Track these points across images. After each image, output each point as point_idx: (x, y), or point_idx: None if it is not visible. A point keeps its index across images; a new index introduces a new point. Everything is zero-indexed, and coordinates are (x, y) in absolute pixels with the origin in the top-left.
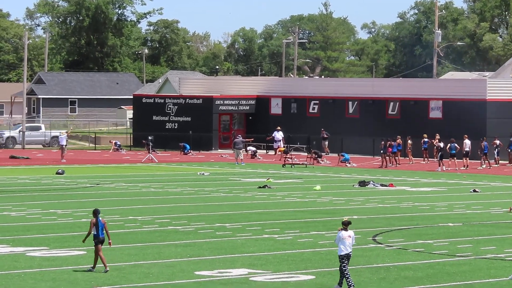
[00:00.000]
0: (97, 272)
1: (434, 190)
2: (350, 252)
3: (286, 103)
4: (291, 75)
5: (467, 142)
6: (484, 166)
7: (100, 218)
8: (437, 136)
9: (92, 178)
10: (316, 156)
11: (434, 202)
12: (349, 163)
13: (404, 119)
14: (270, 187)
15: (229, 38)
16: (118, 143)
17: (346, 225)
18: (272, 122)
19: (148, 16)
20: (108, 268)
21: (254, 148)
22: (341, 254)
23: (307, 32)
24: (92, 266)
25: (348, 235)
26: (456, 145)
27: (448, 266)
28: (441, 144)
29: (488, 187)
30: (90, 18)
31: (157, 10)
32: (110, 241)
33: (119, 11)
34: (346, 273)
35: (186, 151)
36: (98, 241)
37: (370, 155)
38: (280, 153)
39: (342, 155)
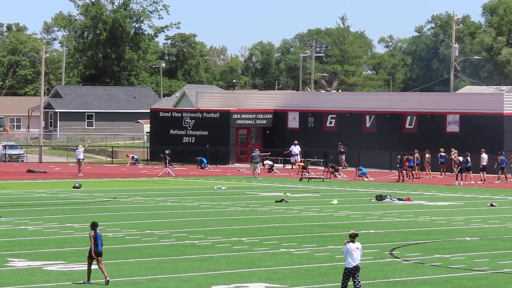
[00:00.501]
0: (114, 285)
1: (451, 204)
2: (359, 264)
3: (303, 117)
4: (308, 89)
5: (484, 156)
6: (499, 181)
7: (98, 231)
8: (452, 151)
9: (109, 192)
10: (333, 170)
11: (451, 216)
12: (366, 177)
13: (421, 133)
14: (287, 201)
15: (246, 51)
16: (135, 157)
17: (353, 237)
18: (289, 136)
19: (165, 30)
20: (108, 278)
21: (271, 162)
22: (349, 267)
23: (324, 46)
24: (87, 279)
25: (356, 247)
26: (469, 158)
27: (465, 280)
28: (460, 158)
29: (505, 201)
30: (108, 32)
31: (174, 24)
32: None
33: (137, 25)
34: (358, 286)
35: (203, 165)
36: (98, 254)
37: (387, 169)
38: (299, 167)
39: (360, 169)
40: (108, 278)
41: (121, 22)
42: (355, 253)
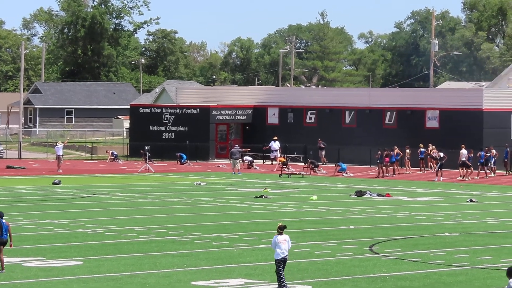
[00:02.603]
0: (93, 281)
1: (430, 200)
2: (287, 256)
3: (283, 113)
4: (288, 84)
5: (464, 152)
6: (478, 177)
7: (4, 221)
8: (430, 146)
9: (89, 188)
10: (312, 166)
11: (430, 212)
12: (346, 173)
13: (401, 128)
14: (267, 197)
15: (226, 47)
16: (115, 153)
17: (281, 229)
18: (269, 132)
19: (145, 26)
20: (4, 270)
21: (250, 158)
22: (278, 258)
23: (304, 41)
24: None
25: (283, 239)
26: (485, 153)
27: (445, 276)
28: (441, 154)
29: (485, 197)
30: (86, 28)
31: (154, 20)
32: (12, 243)
33: (117, 21)
34: (282, 277)
35: (183, 161)
36: (1, 243)
37: (367, 165)
38: (279, 163)
39: (339, 165)
40: (3, 270)
41: (99, 19)
42: (283, 245)
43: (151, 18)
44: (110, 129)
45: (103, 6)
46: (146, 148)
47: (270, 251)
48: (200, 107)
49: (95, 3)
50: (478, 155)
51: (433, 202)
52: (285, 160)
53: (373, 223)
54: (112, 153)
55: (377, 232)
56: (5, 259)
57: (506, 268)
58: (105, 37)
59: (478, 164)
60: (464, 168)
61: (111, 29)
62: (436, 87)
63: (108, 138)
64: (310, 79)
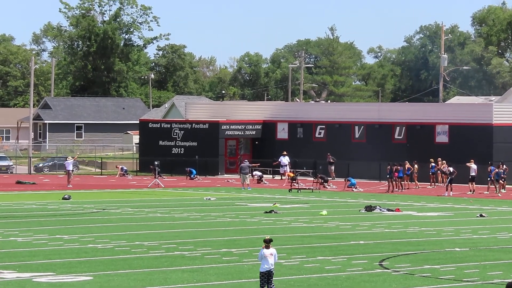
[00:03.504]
0: None
1: (440, 215)
2: (272, 269)
3: (292, 128)
4: (297, 99)
5: (473, 167)
6: (488, 192)
7: None
8: (439, 161)
9: (99, 203)
10: (322, 181)
11: (440, 227)
12: (356, 187)
13: (411, 143)
14: (276, 212)
15: (235, 62)
16: (125, 168)
17: (267, 242)
18: (278, 147)
19: (155, 41)
20: None
21: (260, 173)
22: (262, 271)
23: (313, 56)
24: None
25: (270, 253)
26: (495, 168)
27: None
28: (451, 169)
29: (495, 212)
30: (98, 43)
31: (164, 36)
32: None
33: (126, 36)
34: None
35: (192, 176)
36: None
37: (377, 179)
38: (288, 178)
39: (349, 180)
40: None
41: (111, 34)
42: (269, 258)
43: (161, 34)
44: (119, 144)
45: (114, 22)
46: (156, 163)
47: (279, 266)
48: (210, 122)
49: (105, 19)
50: (488, 170)
51: (443, 217)
52: (294, 175)
53: (383, 238)
54: (121, 168)
55: (387, 247)
56: (16, 274)
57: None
58: (116, 52)
59: (488, 179)
60: (474, 183)
61: (121, 45)
62: (446, 102)
63: (118, 153)
64: (319, 94)
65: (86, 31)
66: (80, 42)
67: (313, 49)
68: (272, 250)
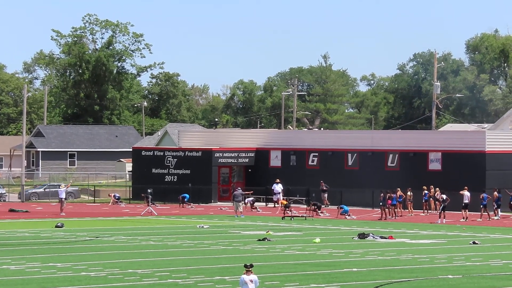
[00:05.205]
0: None
1: (433, 242)
2: None
3: (286, 156)
4: (290, 127)
5: (467, 194)
6: (481, 219)
7: None
8: (432, 188)
9: (92, 231)
10: (315, 207)
11: (433, 254)
12: (349, 215)
13: (404, 171)
14: (269, 240)
15: (228, 90)
16: (117, 195)
17: (248, 268)
18: (271, 174)
19: (148, 70)
20: None
21: (252, 198)
22: None
23: (306, 84)
24: None
25: (250, 280)
26: (487, 195)
27: None
28: (444, 196)
29: (488, 239)
30: (90, 71)
31: (158, 64)
32: None
33: (119, 64)
34: None
35: (186, 200)
36: None
37: (370, 207)
38: (281, 205)
39: (342, 207)
40: None
41: (104, 61)
42: (249, 285)
43: (155, 63)
44: (112, 172)
45: (107, 49)
46: (149, 191)
47: None
48: (203, 150)
49: (97, 46)
50: (480, 197)
51: (436, 244)
52: (287, 202)
53: (376, 265)
54: (114, 196)
55: (380, 275)
56: None
57: None
58: (109, 80)
59: (481, 206)
60: (467, 210)
61: (114, 72)
62: (439, 129)
63: (111, 181)
64: (312, 121)
65: (77, 58)
66: (73, 70)
67: (306, 77)
68: (252, 276)
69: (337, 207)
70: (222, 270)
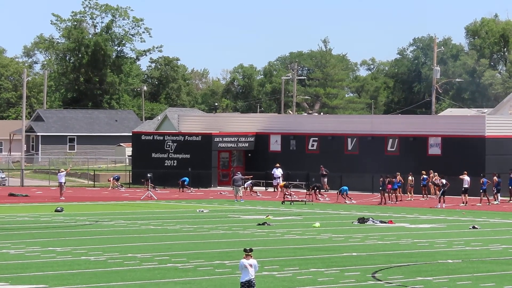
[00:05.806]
0: None
1: (433, 226)
2: (251, 279)
3: (285, 140)
4: (290, 112)
5: (466, 179)
6: (480, 204)
7: None
8: (431, 173)
9: (91, 215)
10: (316, 188)
11: (433, 239)
12: (347, 196)
13: (403, 155)
14: (269, 224)
15: (228, 75)
16: (117, 175)
17: (247, 252)
18: (271, 159)
19: (147, 54)
20: None
21: (251, 181)
22: (242, 281)
23: (306, 68)
24: None
25: (249, 264)
26: (487, 180)
27: None
28: (443, 181)
29: (487, 224)
30: (89, 55)
31: (156, 48)
32: None
33: (119, 48)
34: None
35: (186, 183)
36: None
37: (370, 191)
38: (281, 189)
39: (340, 191)
40: None
41: (102, 46)
42: (249, 269)
43: (154, 46)
44: (112, 156)
45: (106, 34)
46: (149, 175)
47: (272, 278)
48: (202, 135)
49: (97, 31)
50: (480, 181)
51: (435, 229)
52: (285, 183)
53: (376, 250)
54: (114, 177)
55: (379, 259)
56: (8, 287)
57: None
58: (108, 64)
59: (481, 191)
60: (466, 195)
61: (113, 56)
62: (438, 114)
63: (111, 166)
64: (312, 106)
65: (77, 43)
66: (72, 54)
67: (306, 62)
68: (252, 260)
69: (337, 192)
70: (222, 255)
